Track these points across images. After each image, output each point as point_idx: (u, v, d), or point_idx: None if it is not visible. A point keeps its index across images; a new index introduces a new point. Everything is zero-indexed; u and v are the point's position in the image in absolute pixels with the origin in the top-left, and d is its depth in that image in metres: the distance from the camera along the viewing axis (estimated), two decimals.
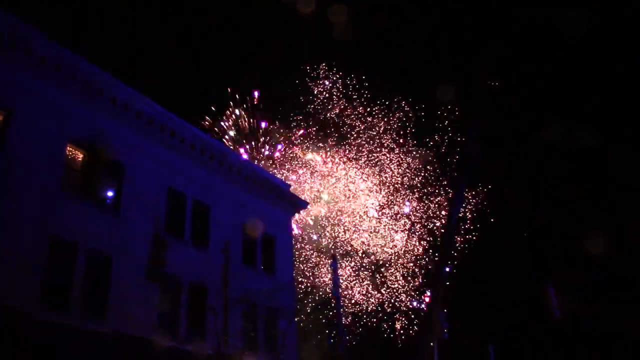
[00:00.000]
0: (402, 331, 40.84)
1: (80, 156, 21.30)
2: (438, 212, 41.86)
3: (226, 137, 46.69)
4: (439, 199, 41.95)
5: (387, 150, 42.29)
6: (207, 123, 46.64)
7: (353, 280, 40.28)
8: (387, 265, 40.98)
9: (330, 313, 39.41)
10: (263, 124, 47.01)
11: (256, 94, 48.52)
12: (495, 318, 43.85)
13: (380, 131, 42.25)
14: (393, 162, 42.31)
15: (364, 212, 41.31)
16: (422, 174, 42.31)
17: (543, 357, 44.77)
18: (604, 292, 44.51)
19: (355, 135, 42.29)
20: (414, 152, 42.02)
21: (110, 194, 22.01)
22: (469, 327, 41.68)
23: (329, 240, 39.82)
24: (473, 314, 43.39)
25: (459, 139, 40.10)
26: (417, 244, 41.25)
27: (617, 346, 43.47)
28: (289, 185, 32.55)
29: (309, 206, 34.94)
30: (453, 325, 26.35)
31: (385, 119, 42.26)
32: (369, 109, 42.54)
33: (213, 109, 47.26)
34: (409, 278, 41.12)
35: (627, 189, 46.42)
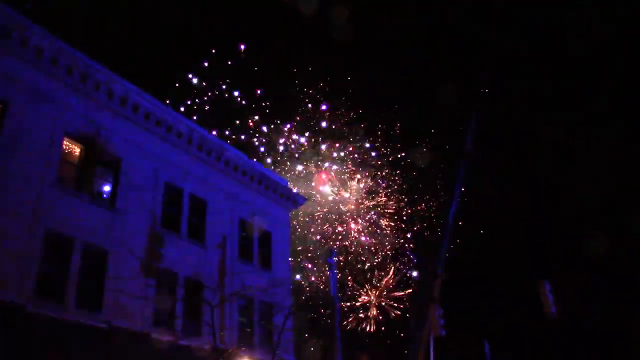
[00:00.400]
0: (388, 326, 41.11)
1: (76, 150, 21.28)
2: (431, 213, 42.08)
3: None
4: (430, 201, 42.21)
5: (377, 154, 42.59)
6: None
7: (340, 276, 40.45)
8: (376, 266, 41.17)
9: (313, 313, 39.39)
10: (258, 91, 44.66)
11: (242, 47, 44.86)
12: (492, 315, 43.84)
13: (366, 137, 42.58)
14: (383, 166, 42.59)
15: (353, 214, 41.56)
16: (415, 177, 42.59)
17: (539, 354, 44.77)
18: (602, 291, 44.46)
19: (342, 140, 42.61)
20: (408, 155, 42.33)
21: (106, 188, 21.98)
22: (466, 324, 41.69)
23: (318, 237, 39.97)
24: (470, 311, 43.39)
25: (450, 145, 40.35)
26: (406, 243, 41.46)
27: (614, 345, 43.40)
28: (287, 181, 32.54)
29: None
30: (449, 322, 26.33)
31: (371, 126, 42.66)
32: (355, 115, 42.86)
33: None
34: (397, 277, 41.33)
35: (627, 188, 46.38)
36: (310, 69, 43.81)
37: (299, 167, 42.14)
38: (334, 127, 43.00)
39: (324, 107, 43.67)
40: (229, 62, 44.33)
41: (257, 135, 43.92)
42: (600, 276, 43.84)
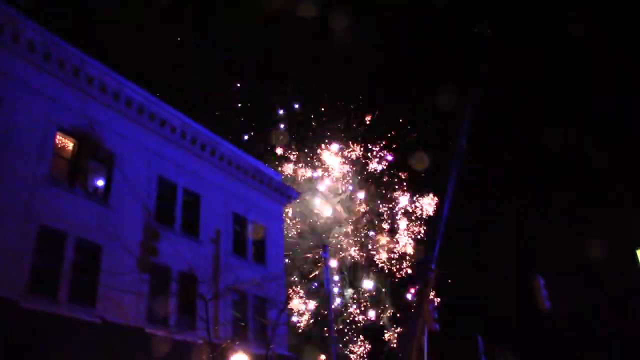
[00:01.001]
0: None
1: (69, 145, 21.15)
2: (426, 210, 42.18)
3: None
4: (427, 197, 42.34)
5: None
6: None
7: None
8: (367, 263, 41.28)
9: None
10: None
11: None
12: (486, 311, 44.03)
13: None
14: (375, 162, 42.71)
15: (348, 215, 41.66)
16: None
17: (533, 350, 45.02)
18: (597, 286, 44.63)
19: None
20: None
21: (100, 183, 21.89)
22: (460, 318, 41.88)
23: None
24: (464, 306, 43.58)
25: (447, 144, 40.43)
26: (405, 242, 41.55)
27: (609, 340, 43.62)
28: (281, 176, 32.55)
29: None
30: (444, 318, 26.45)
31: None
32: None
33: None
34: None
35: (625, 188, 46.57)
36: (288, 77, 44.14)
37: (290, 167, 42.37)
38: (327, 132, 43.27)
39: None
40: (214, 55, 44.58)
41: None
42: (595, 272, 44.03)
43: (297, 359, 29.58)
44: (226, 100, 45.00)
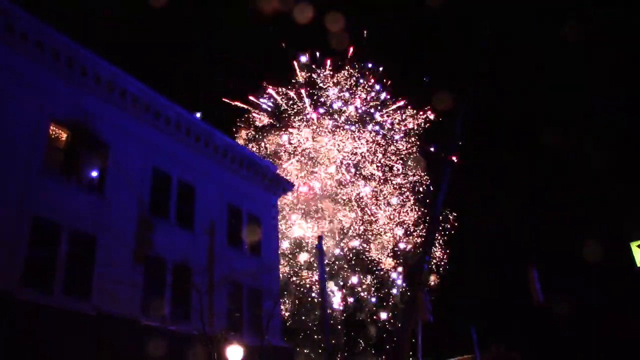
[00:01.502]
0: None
1: (63, 136, 21.06)
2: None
3: None
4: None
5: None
6: None
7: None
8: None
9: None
10: None
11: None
12: (480, 301, 44.20)
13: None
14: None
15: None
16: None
17: (526, 341, 45.23)
18: (589, 279, 44.80)
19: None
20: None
21: (94, 174, 21.80)
22: (453, 309, 42.07)
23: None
24: (458, 297, 43.76)
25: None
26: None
27: (610, 340, 43.79)
28: (276, 167, 32.52)
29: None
30: (437, 308, 26.55)
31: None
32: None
33: None
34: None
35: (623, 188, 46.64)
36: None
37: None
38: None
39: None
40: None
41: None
42: (595, 272, 44.10)
43: (291, 349, 29.68)
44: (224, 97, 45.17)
